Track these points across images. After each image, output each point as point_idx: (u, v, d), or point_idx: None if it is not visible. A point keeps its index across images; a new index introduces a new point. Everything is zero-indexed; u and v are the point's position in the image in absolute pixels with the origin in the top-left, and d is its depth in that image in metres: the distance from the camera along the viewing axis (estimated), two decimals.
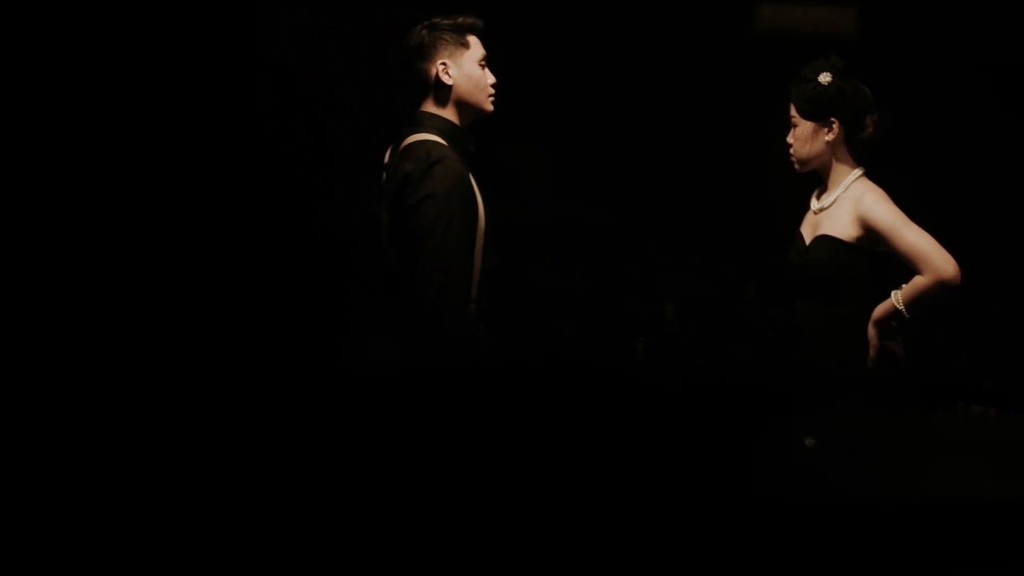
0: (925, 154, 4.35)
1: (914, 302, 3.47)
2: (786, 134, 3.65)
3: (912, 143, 3.90)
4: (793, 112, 3.62)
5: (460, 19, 3.47)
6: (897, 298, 3.49)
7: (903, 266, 3.49)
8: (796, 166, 3.66)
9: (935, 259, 3.43)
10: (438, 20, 3.47)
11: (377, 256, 3.43)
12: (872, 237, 3.51)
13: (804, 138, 3.61)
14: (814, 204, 3.68)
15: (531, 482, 2.70)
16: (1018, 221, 4.51)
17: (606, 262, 4.89)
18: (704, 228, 4.89)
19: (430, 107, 3.47)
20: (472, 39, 3.48)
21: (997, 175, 4.54)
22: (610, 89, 4.61)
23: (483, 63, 3.48)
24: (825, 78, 3.56)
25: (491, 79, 3.49)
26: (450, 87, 3.45)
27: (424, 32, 3.47)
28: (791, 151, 3.64)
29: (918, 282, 3.46)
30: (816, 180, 3.70)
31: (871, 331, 3.52)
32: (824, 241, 3.56)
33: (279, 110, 3.62)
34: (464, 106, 3.47)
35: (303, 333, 3.30)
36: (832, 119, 3.58)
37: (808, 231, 3.65)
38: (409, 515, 2.64)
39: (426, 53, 3.45)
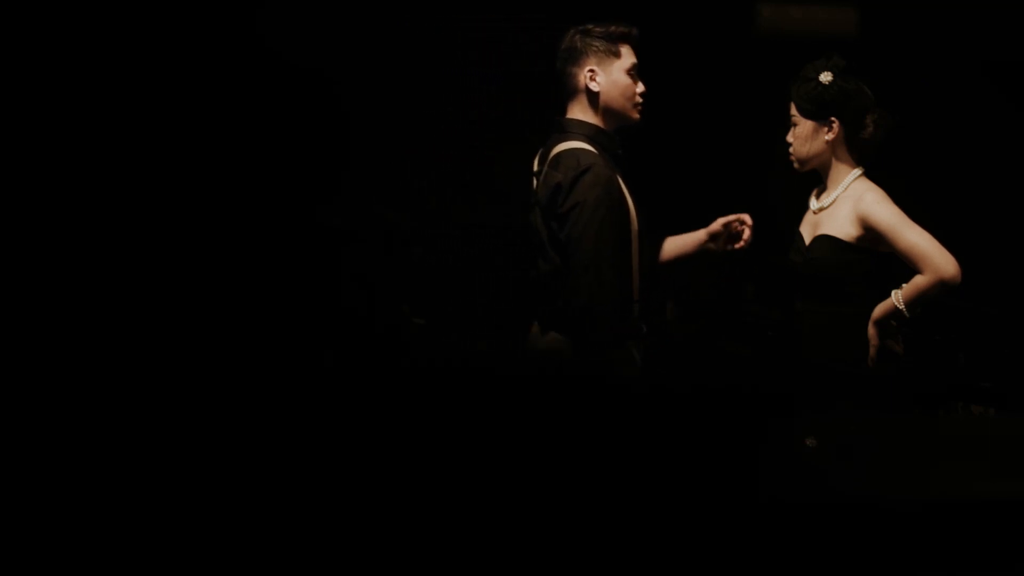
0: (925, 154, 4.34)
1: (914, 301, 3.47)
2: (786, 133, 3.65)
3: (912, 143, 3.90)
4: (793, 111, 3.63)
5: (613, 27, 3.50)
6: (897, 297, 3.49)
7: (903, 266, 3.48)
8: (796, 165, 3.66)
9: (935, 258, 3.43)
10: (592, 26, 3.49)
11: (533, 261, 3.48)
12: (872, 237, 3.51)
13: (804, 137, 3.61)
14: (814, 204, 3.68)
15: (532, 482, 2.70)
16: (1018, 221, 4.50)
17: None
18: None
19: (577, 112, 3.51)
20: (624, 48, 3.50)
21: (997, 175, 4.53)
22: None
23: (633, 72, 3.51)
24: (826, 77, 3.57)
25: (640, 88, 3.52)
26: (597, 94, 3.49)
27: (577, 37, 3.51)
28: (791, 150, 3.64)
29: (918, 281, 3.46)
30: (816, 180, 3.70)
31: (871, 330, 3.52)
32: (824, 241, 3.56)
33: (287, 108, 3.62)
34: (610, 113, 3.51)
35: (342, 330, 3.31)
36: (832, 118, 3.58)
37: (808, 231, 3.65)
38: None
39: (576, 58, 3.49)
